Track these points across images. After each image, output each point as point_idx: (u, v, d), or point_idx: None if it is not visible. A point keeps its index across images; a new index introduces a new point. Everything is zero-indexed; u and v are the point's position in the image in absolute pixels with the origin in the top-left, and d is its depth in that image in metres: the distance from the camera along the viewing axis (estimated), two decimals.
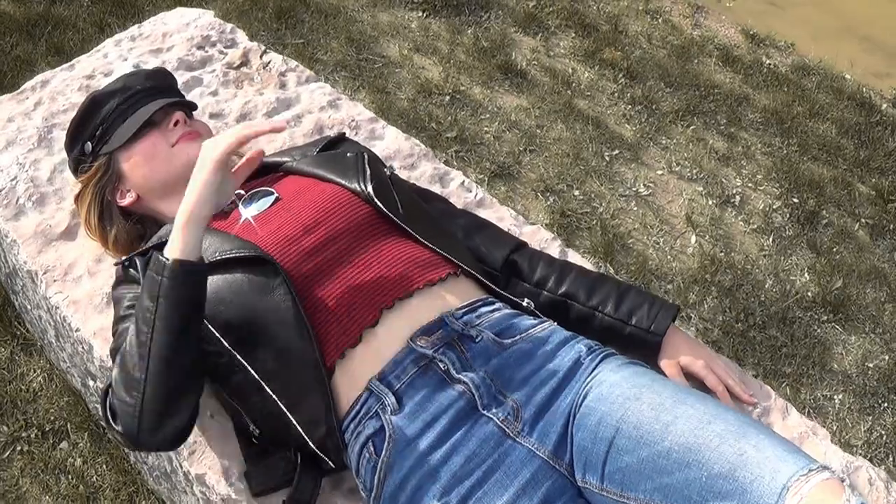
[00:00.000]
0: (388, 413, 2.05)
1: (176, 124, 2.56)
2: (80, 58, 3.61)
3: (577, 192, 4.85)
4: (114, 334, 2.27)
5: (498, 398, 2.08)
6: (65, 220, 2.96)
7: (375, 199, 2.31)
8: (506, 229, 2.86)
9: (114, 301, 2.37)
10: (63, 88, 3.44)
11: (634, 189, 4.95)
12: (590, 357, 2.17)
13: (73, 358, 3.01)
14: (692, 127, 5.45)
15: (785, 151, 5.39)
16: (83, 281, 2.80)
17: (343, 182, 2.39)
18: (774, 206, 5.02)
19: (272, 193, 2.40)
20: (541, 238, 2.91)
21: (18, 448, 3.49)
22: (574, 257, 2.89)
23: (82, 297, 2.75)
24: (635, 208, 4.85)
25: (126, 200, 2.59)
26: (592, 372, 2.12)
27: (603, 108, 5.48)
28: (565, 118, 5.31)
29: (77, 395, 3.53)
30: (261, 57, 3.61)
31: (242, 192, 2.46)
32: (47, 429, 3.53)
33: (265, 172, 2.62)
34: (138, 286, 2.30)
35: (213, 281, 2.16)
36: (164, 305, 1.99)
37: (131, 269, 2.38)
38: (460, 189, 3.08)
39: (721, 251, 4.68)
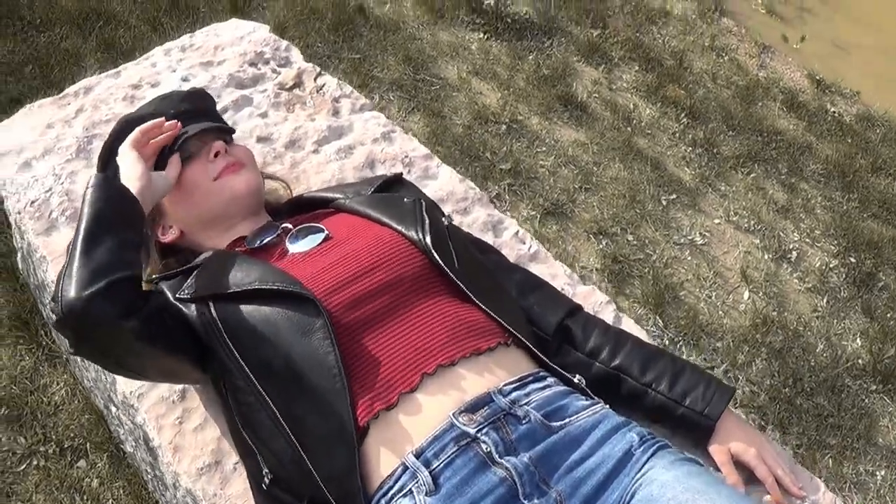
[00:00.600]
0: (422, 493, 1.90)
1: (216, 155, 2.42)
2: (128, 65, 3.47)
3: (630, 237, 4.70)
4: None
5: (541, 487, 1.93)
6: None
7: (433, 251, 2.17)
8: (560, 288, 2.71)
9: None
10: (107, 97, 3.30)
11: (690, 237, 4.80)
12: (642, 448, 2.02)
13: (97, 382, 2.89)
14: (752, 175, 5.30)
15: (845, 207, 5.24)
16: None
17: (400, 228, 2.25)
18: (831, 265, 4.86)
19: (322, 230, 2.27)
20: (595, 300, 2.76)
21: (35, 462, 3.40)
22: (627, 323, 2.74)
23: None
24: (689, 258, 4.70)
25: (169, 237, 2.46)
26: (643, 467, 1.97)
27: (663, 148, 5.33)
28: (623, 157, 5.17)
29: (99, 415, 3.43)
30: (315, 79, 3.47)
31: (290, 226, 2.33)
32: (66, 445, 3.42)
33: (313, 207, 2.49)
34: None
35: (249, 311, 2.03)
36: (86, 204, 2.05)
37: (157, 292, 2.26)
38: (514, 240, 2.93)
39: (774, 310, 4.53)
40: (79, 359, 3.06)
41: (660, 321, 4.30)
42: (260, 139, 3.19)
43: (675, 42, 6.28)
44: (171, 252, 2.51)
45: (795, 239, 4.96)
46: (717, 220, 4.95)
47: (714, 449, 2.26)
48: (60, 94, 3.33)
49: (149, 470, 2.80)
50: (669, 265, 4.63)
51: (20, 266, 3.38)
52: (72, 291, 1.94)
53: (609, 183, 4.97)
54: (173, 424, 2.44)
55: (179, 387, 2.51)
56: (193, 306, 2.13)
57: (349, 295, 2.06)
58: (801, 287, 4.71)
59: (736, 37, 6.53)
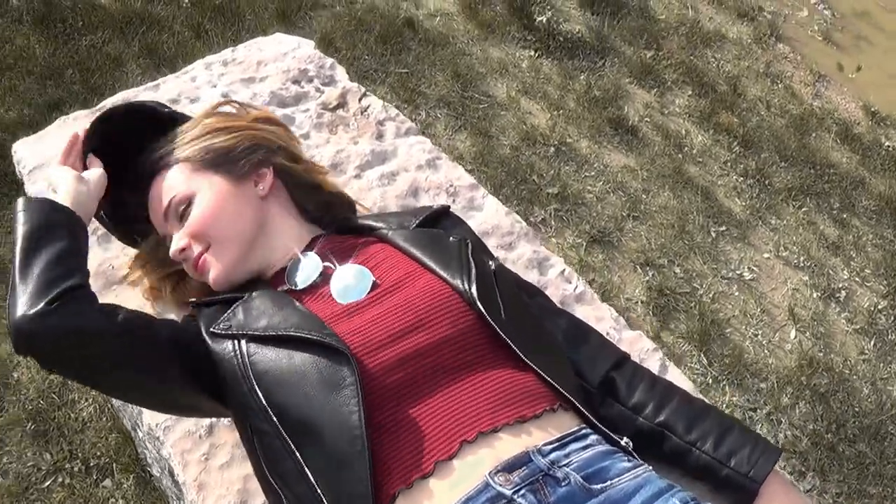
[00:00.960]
0: None
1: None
2: (168, 78, 3.38)
3: (677, 269, 4.60)
4: None
5: None
6: (130, 263, 2.75)
7: (479, 304, 2.07)
8: (605, 332, 2.61)
9: None
10: None
11: (738, 272, 4.69)
12: None
13: (124, 406, 2.80)
14: (804, 208, 5.19)
15: None
16: None
17: (445, 276, 2.14)
18: (879, 307, 4.74)
19: (370, 278, 2.17)
20: (641, 347, 2.67)
21: (60, 479, 3.34)
22: (674, 372, 2.64)
23: None
24: (737, 293, 4.59)
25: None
26: None
27: (713, 177, 5.23)
28: (673, 185, 5.07)
29: (126, 435, 3.36)
30: (359, 100, 3.37)
31: (332, 265, 2.24)
32: (92, 464, 3.36)
33: (354, 231, 2.40)
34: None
35: (280, 356, 1.94)
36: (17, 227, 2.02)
37: (191, 319, 2.19)
38: (559, 279, 2.84)
39: (820, 351, 4.42)
40: None
41: (704, 359, 4.20)
42: None
43: (729, 67, 6.17)
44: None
45: (845, 277, 4.84)
46: (766, 255, 4.84)
47: None
48: (97, 107, 3.23)
49: (174, 499, 2.73)
50: (716, 300, 4.52)
51: None
52: (17, 314, 1.90)
53: (658, 211, 4.87)
54: (199, 461, 2.36)
55: (206, 421, 2.43)
56: (226, 342, 2.05)
57: (391, 355, 1.96)
58: (848, 328, 4.59)
59: (791, 63, 6.41)
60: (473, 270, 2.14)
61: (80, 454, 3.37)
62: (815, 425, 4.07)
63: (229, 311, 2.12)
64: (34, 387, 3.56)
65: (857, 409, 4.17)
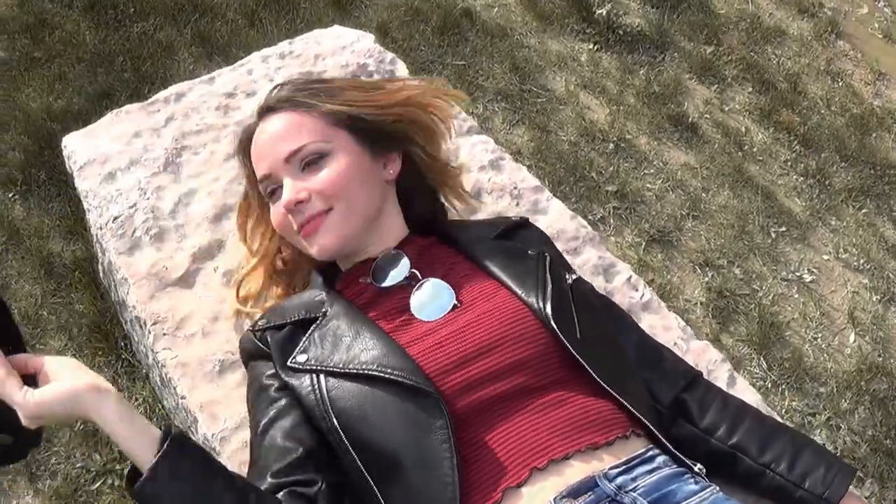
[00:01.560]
0: None
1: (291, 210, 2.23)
2: (223, 70, 3.34)
3: (737, 270, 4.58)
4: (252, 416, 2.08)
5: None
6: (183, 263, 2.70)
7: (553, 324, 2.04)
8: (672, 343, 2.60)
9: (250, 375, 2.17)
10: (199, 105, 3.16)
11: (798, 274, 4.66)
12: None
13: (176, 411, 2.76)
14: (864, 210, 5.14)
15: None
16: (195, 341, 2.54)
17: (521, 294, 2.11)
18: None
19: (451, 297, 2.14)
20: (709, 358, 2.65)
21: (109, 481, 3.33)
22: (742, 385, 2.62)
23: (192, 361, 2.49)
24: (797, 295, 4.56)
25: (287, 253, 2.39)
26: None
27: (773, 176, 5.19)
28: (733, 184, 5.03)
29: None
30: None
31: (418, 274, 2.21)
32: None
33: (436, 235, 2.37)
34: (271, 363, 2.10)
35: (363, 393, 1.90)
36: None
37: (262, 345, 2.16)
38: (626, 286, 2.82)
39: (879, 355, 4.38)
40: (158, 383, 2.95)
41: (763, 363, 4.17)
42: None
43: (789, 63, 6.11)
44: (284, 274, 2.44)
45: None
46: (825, 257, 4.80)
47: None
48: (150, 101, 3.17)
49: None
50: (776, 302, 4.49)
51: (101, 275, 3.28)
52: None
53: (717, 211, 4.84)
54: None
55: None
56: (303, 377, 2.01)
57: (464, 377, 1.94)
58: None
59: (851, 61, 6.34)
60: (549, 287, 2.11)
61: None
62: (875, 431, 4.04)
63: (304, 339, 2.07)
64: None
65: None
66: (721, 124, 5.47)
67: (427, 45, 5.52)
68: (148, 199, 2.84)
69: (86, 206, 2.90)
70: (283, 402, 2.02)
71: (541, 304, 2.06)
